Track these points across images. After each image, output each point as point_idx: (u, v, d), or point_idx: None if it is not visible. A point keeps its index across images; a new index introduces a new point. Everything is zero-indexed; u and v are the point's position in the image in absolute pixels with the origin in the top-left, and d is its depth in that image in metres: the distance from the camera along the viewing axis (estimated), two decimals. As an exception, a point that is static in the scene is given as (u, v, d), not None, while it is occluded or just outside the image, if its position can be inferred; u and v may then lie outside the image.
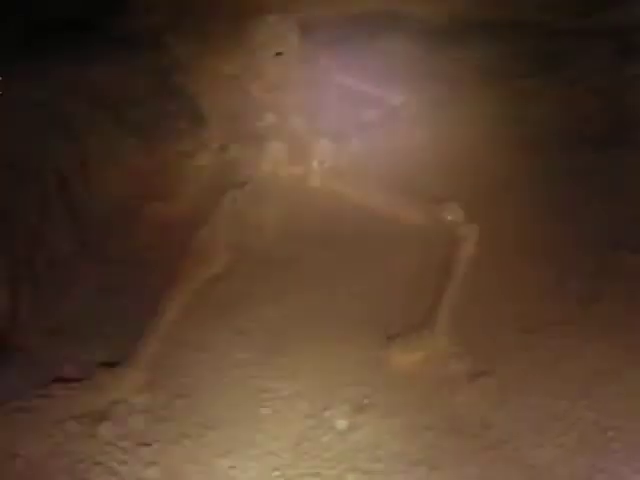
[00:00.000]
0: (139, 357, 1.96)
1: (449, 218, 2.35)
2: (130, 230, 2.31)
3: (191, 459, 1.71)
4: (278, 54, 2.88)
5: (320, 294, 2.19)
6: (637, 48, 3.21)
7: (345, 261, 2.31)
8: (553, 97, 2.94)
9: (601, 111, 2.95)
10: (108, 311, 2.09)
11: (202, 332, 2.07)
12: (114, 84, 2.32)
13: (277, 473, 1.67)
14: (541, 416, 1.79)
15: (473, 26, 3.26)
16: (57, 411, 1.82)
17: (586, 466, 1.66)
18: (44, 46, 2.44)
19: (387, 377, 1.92)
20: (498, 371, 1.92)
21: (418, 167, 2.59)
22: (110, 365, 1.94)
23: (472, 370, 1.93)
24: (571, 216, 2.45)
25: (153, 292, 2.13)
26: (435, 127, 2.75)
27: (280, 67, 2.91)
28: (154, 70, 2.52)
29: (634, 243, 2.33)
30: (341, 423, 1.80)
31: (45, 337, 1.97)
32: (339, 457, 1.71)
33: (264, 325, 2.09)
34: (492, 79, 3.01)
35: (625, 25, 3.31)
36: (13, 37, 2.54)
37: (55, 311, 2.03)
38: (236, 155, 2.57)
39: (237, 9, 3.11)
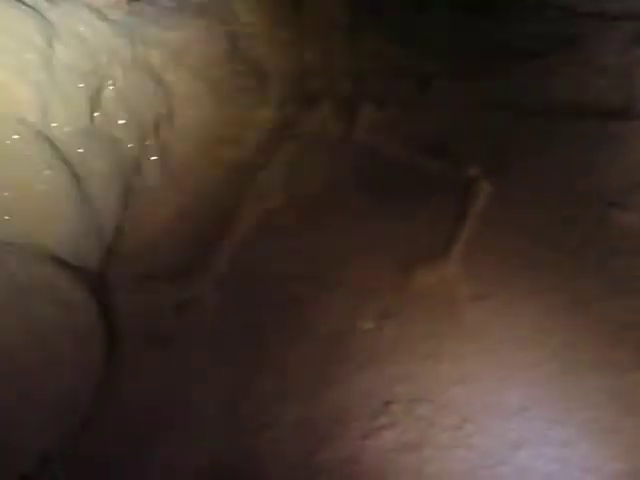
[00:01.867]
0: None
1: (469, 174, 2.81)
2: (205, 167, 2.82)
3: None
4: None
5: (358, 230, 2.65)
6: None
7: (380, 204, 2.78)
8: (566, 74, 3.34)
9: (609, 88, 3.33)
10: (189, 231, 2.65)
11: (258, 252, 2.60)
12: (194, 47, 2.79)
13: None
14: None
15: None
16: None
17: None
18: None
19: (407, 294, 2.45)
20: (498, 294, 2.44)
21: (445, 132, 3.05)
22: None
23: (476, 293, 2.44)
24: (575, 177, 2.90)
25: (220, 219, 2.69)
26: (459, 95, 3.18)
27: (331, 34, 3.38)
28: (227, 36, 2.96)
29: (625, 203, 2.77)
30: (369, 324, 2.35)
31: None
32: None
33: (312, 248, 2.61)
34: (513, 55, 3.42)
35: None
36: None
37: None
38: (292, 111, 3.06)
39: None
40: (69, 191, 1.97)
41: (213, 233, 2.62)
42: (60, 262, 1.87)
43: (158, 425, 2.06)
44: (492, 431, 2.06)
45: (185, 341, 2.28)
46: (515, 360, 2.23)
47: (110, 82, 2.35)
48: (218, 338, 2.32)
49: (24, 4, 2.16)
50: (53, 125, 2.06)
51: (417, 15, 3.54)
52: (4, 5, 2.10)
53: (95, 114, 2.27)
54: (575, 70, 3.36)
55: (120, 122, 2.37)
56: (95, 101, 2.26)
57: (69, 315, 1.80)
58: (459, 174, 2.81)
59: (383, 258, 2.55)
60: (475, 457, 1.99)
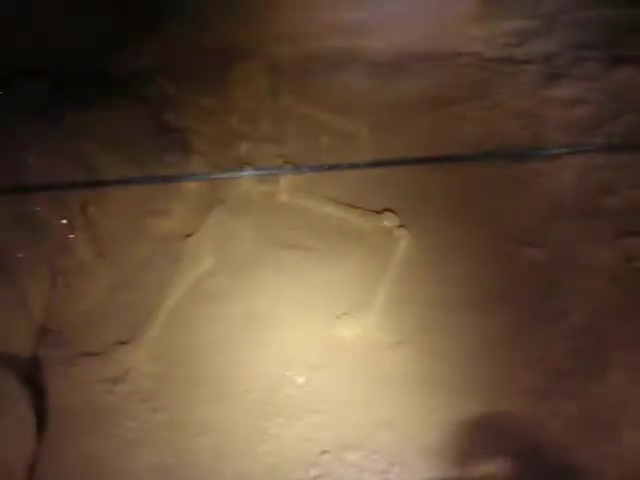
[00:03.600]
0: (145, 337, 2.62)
1: (387, 224, 2.97)
2: (134, 239, 2.94)
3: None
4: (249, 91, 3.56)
5: (287, 285, 2.81)
6: (560, 72, 3.82)
7: (306, 259, 2.92)
8: (478, 119, 3.55)
9: (520, 129, 3.54)
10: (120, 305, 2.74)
11: (192, 318, 2.72)
12: (115, 124, 2.93)
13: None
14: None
15: (415, 58, 3.93)
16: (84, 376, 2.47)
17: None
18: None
19: (334, 345, 2.59)
20: (416, 339, 2.59)
21: (364, 183, 3.22)
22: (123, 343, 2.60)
23: (396, 340, 2.59)
24: (486, 218, 3.07)
25: (155, 288, 2.81)
26: (380, 150, 3.37)
27: (253, 101, 3.57)
28: (148, 109, 3.12)
29: (538, 240, 2.93)
30: (300, 378, 2.47)
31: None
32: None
33: (243, 311, 2.72)
34: (429, 106, 3.63)
35: (550, 52, 3.96)
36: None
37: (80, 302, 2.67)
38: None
39: (214, 51, 3.77)
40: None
41: (146, 302, 2.73)
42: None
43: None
44: (416, 471, 2.19)
45: (120, 411, 2.37)
46: (432, 401, 2.36)
47: (33, 169, 2.46)
48: (153, 406, 2.41)
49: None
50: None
51: (333, 79, 3.73)
52: None
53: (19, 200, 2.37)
54: (484, 115, 3.56)
55: (44, 205, 2.47)
56: (18, 187, 2.36)
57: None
58: (377, 225, 2.97)
59: (311, 313, 2.68)
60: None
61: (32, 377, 2.25)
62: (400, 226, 2.95)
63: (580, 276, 2.76)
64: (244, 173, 3.09)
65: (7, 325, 2.07)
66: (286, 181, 3.16)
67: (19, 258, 2.24)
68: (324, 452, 2.29)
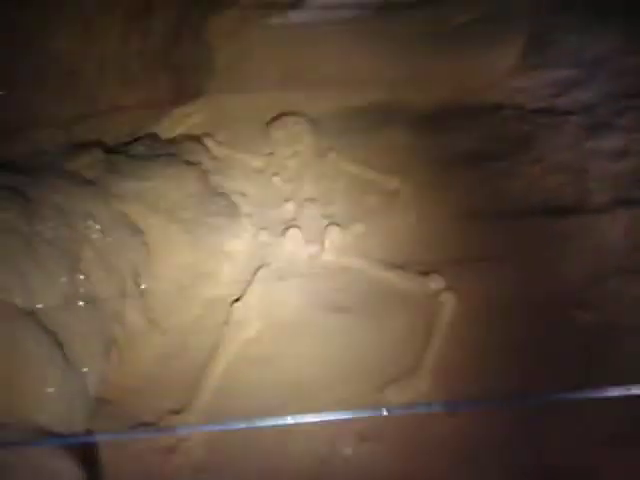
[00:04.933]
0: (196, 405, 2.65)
1: (433, 286, 2.97)
2: (184, 305, 3.00)
3: None
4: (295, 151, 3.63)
5: (332, 351, 2.83)
6: (603, 122, 3.79)
7: (353, 322, 2.94)
8: (522, 174, 3.54)
9: (564, 184, 3.51)
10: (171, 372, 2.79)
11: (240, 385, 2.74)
12: (167, 194, 3.02)
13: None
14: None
15: (455, 111, 3.95)
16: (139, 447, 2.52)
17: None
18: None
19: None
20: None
21: (410, 243, 3.23)
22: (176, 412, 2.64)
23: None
24: (532, 277, 3.03)
25: (204, 354, 2.85)
26: (424, 208, 3.39)
27: (297, 161, 3.63)
28: (198, 177, 3.20)
29: (586, 301, 2.87)
30: (348, 449, 2.46)
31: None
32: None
33: (290, 378, 2.74)
34: (472, 161, 3.64)
35: (593, 102, 3.94)
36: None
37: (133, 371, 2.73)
38: (264, 240, 3.26)
39: (260, 113, 3.87)
40: (53, 359, 2.14)
41: (196, 368, 2.78)
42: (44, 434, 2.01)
43: None
44: None
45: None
46: (492, 466, 2.33)
47: (89, 245, 2.54)
48: (207, 477, 2.44)
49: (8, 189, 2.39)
50: (36, 300, 2.24)
51: (375, 135, 3.77)
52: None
53: (76, 278, 2.45)
54: (528, 169, 3.54)
55: (100, 280, 2.55)
56: (75, 267, 2.45)
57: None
58: (424, 287, 2.96)
59: (358, 380, 2.68)
60: None
61: (88, 452, 2.29)
62: (446, 288, 2.94)
63: (631, 340, 2.70)
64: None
65: (66, 405, 2.12)
66: (331, 241, 3.19)
67: (75, 332, 2.29)
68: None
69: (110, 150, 3.18)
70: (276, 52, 3.98)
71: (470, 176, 3.52)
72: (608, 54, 4.16)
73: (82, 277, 2.46)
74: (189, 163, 3.27)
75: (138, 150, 3.28)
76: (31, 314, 2.20)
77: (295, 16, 3.97)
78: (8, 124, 2.78)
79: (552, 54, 4.18)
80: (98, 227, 2.60)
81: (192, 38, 3.73)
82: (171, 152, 3.26)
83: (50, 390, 2.12)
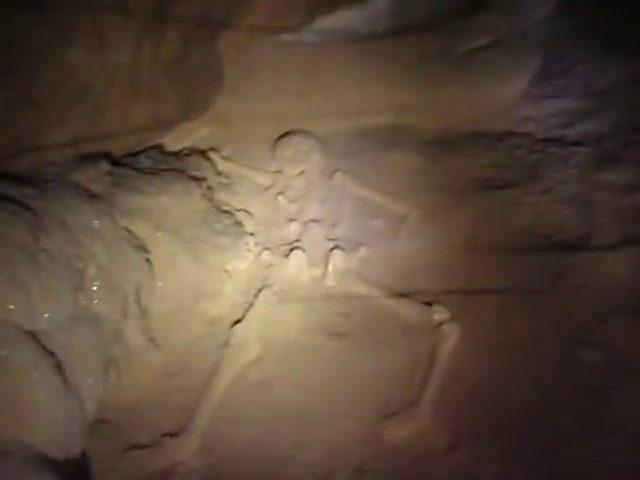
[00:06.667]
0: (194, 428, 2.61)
1: (436, 317, 2.95)
2: (185, 325, 2.96)
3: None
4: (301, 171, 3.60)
5: (331, 378, 2.79)
6: (612, 154, 3.78)
7: (355, 349, 2.91)
8: (529, 205, 3.52)
9: (571, 216, 3.49)
10: (169, 392, 2.76)
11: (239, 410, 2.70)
12: (172, 211, 2.98)
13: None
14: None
15: (464, 137, 3.94)
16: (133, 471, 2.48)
17: None
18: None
19: (381, 448, 2.54)
20: (472, 442, 2.52)
21: (414, 271, 3.21)
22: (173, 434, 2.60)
23: (450, 442, 2.53)
24: (538, 312, 3.01)
25: (204, 375, 2.82)
26: (430, 235, 3.36)
27: (303, 181, 3.60)
28: (203, 195, 3.17)
29: (592, 339, 2.84)
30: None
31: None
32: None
33: (290, 403, 2.71)
34: (479, 188, 3.62)
35: (602, 133, 3.93)
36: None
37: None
38: (267, 260, 3.23)
39: (267, 130, 3.85)
40: (51, 384, 2.10)
41: (195, 389, 2.74)
42: (39, 457, 1.97)
43: None
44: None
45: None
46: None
47: (93, 262, 2.50)
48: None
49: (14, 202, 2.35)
50: (37, 321, 2.20)
51: (383, 157, 3.75)
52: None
53: (79, 297, 2.41)
54: (536, 199, 3.52)
55: (102, 299, 2.51)
56: (79, 285, 2.41)
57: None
58: (427, 317, 2.94)
59: (356, 412, 2.65)
60: None
61: (81, 473, 2.26)
62: (449, 320, 2.91)
63: (636, 382, 2.68)
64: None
65: (63, 429, 2.08)
66: (335, 265, 3.16)
67: (75, 352, 2.26)
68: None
69: (116, 162, 3.15)
70: (286, 70, 3.96)
71: (478, 204, 3.49)
72: (618, 85, 4.13)
73: (85, 295, 2.42)
74: (195, 179, 3.24)
75: (144, 163, 3.25)
76: (30, 334, 2.16)
77: (306, 35, 3.95)
78: (16, 136, 2.75)
79: (562, 84, 4.16)
80: (102, 244, 2.54)
81: (202, 52, 3.70)
82: (177, 166, 3.23)
83: (46, 415, 2.08)
